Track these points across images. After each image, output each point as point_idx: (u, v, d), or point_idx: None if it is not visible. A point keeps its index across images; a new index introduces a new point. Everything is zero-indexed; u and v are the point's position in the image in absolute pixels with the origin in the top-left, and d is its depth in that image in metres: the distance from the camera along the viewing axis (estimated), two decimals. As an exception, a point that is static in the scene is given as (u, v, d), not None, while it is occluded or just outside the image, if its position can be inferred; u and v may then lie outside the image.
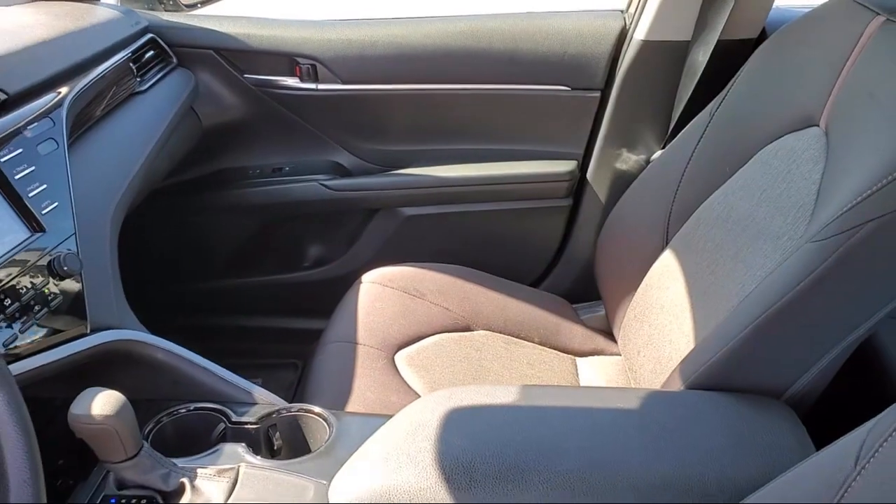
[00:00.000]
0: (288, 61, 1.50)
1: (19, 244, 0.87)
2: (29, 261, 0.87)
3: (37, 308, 0.86)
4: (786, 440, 0.84)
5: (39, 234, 0.90)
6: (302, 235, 1.69)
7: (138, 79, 1.31)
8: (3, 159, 0.89)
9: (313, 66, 1.49)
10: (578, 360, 1.37)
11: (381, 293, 1.38)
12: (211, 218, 1.64)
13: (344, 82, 1.51)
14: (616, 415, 0.87)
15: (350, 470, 0.82)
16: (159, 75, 1.37)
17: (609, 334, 1.40)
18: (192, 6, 1.57)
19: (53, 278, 0.89)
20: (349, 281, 1.43)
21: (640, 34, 1.41)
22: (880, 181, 0.82)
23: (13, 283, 0.83)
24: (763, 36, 1.38)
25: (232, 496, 0.82)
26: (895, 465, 0.58)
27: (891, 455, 0.59)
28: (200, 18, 1.51)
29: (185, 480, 0.83)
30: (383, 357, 1.26)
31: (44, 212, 0.91)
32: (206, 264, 1.70)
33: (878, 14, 0.99)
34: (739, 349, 0.90)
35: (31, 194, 0.91)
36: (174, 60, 1.45)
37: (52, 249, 0.90)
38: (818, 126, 1.03)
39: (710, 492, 0.77)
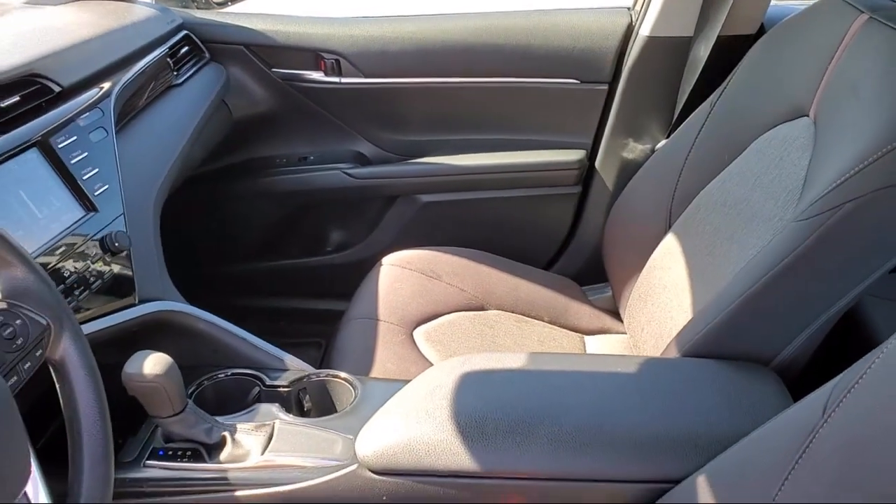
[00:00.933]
0: (313, 56, 1.59)
1: (76, 222, 0.96)
2: (85, 237, 0.96)
3: (91, 280, 0.95)
4: (770, 401, 0.92)
5: (93, 213, 0.99)
6: (325, 221, 1.77)
7: (175, 73, 1.40)
8: (60, 145, 0.99)
9: (337, 60, 1.57)
10: (586, 338, 1.45)
11: (401, 274, 1.47)
12: (240, 204, 1.73)
13: (366, 76, 1.59)
14: (616, 378, 0.96)
15: (374, 425, 0.91)
16: (193, 70, 1.46)
17: (615, 314, 1.48)
18: (223, 4, 1.66)
19: (105, 254, 0.98)
20: (370, 264, 1.51)
21: (645, 30, 1.49)
22: (857, 166, 0.90)
23: (72, 257, 0.93)
24: (761, 32, 1.44)
25: (268, 448, 0.91)
26: (858, 412, 0.65)
27: (854, 403, 0.66)
28: (230, 16, 1.60)
29: (227, 434, 0.93)
30: (403, 332, 1.34)
31: (96, 193, 1.01)
32: (235, 248, 1.79)
33: (863, 12, 1.06)
34: (730, 320, 0.98)
35: (84, 177, 1.00)
36: (207, 55, 1.54)
37: (104, 228, 1.00)
38: (808, 116, 1.10)
39: (700, 444, 0.85)
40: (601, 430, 0.88)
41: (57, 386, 0.70)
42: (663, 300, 1.26)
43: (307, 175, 1.68)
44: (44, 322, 0.67)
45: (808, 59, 1.14)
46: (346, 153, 1.69)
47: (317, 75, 1.60)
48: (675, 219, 1.32)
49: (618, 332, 1.46)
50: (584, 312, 1.49)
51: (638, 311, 1.33)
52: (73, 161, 0.99)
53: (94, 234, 0.98)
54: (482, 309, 1.45)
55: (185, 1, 1.67)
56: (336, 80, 1.60)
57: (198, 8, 1.64)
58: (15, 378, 0.64)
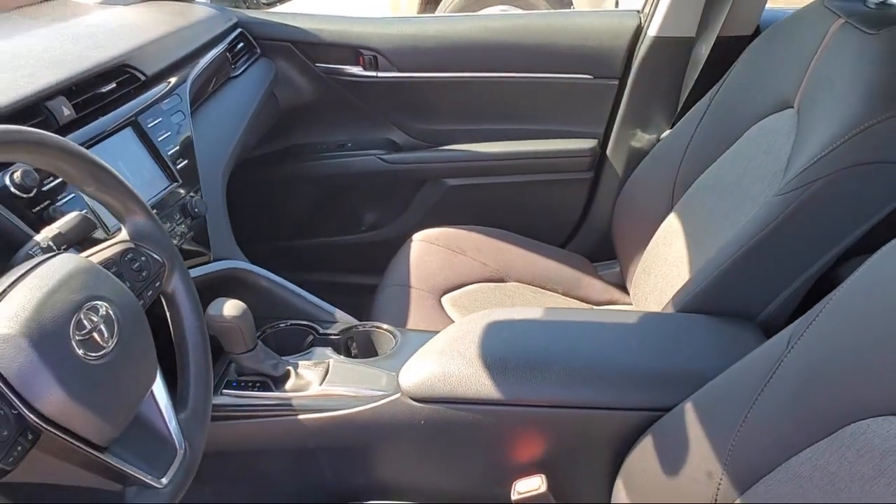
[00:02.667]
0: (353, 52, 1.75)
1: (163, 189, 1.14)
2: (170, 203, 1.14)
3: (176, 239, 1.13)
4: (750, 347, 1.08)
5: (176, 183, 1.17)
6: (360, 202, 1.93)
7: (232, 66, 1.57)
8: (149, 125, 1.17)
9: (375, 56, 1.74)
10: (596, 308, 1.61)
11: (429, 249, 1.63)
12: (284, 186, 1.90)
13: (399, 70, 1.76)
14: (619, 327, 1.12)
15: (414, 362, 1.07)
16: (247, 63, 1.64)
17: (623, 287, 1.63)
18: (271, 4, 1.84)
19: (186, 218, 1.16)
20: (400, 242, 1.67)
21: (652, 31, 1.64)
22: (827, 148, 1.05)
23: (160, 219, 1.10)
24: (757, 33, 1.59)
25: (325, 381, 1.08)
26: (815, 341, 0.80)
27: (813, 334, 0.81)
28: (278, 15, 1.78)
29: (290, 369, 1.10)
30: (432, 298, 1.51)
31: (177, 167, 1.18)
32: (278, 227, 1.96)
33: (840, 17, 1.22)
34: (718, 281, 1.14)
35: (168, 153, 1.18)
36: (258, 51, 1.71)
37: (185, 196, 1.17)
38: (792, 108, 1.26)
39: (687, 379, 0.99)
40: (605, 366, 1.04)
41: (168, 313, 0.87)
42: (664, 272, 1.41)
43: (345, 160, 1.85)
44: (161, 260, 0.84)
45: (794, 58, 1.29)
46: (380, 140, 1.85)
47: (356, 70, 1.77)
48: (677, 200, 1.47)
49: (624, 304, 1.62)
50: (594, 286, 1.65)
51: (642, 283, 1.49)
52: (159, 139, 1.17)
53: (177, 201, 1.15)
54: (502, 281, 1.60)
55: (237, 1, 1.84)
56: (373, 74, 1.76)
57: (248, 8, 1.82)
58: (141, 302, 0.81)
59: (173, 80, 1.29)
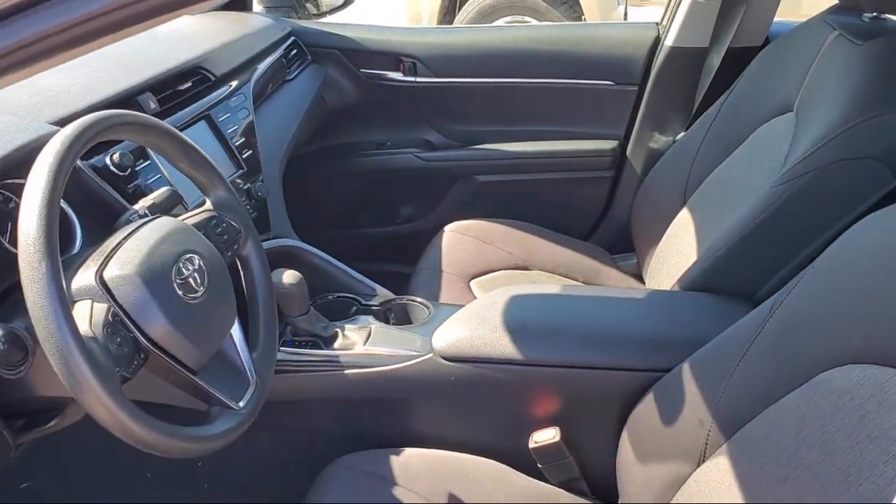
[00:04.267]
0: (394, 59, 1.92)
1: (232, 175, 1.31)
2: (238, 186, 1.31)
3: (242, 218, 1.29)
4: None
5: (242, 170, 1.34)
6: (397, 197, 2.09)
7: (287, 70, 1.75)
8: (219, 119, 1.34)
9: (414, 63, 1.91)
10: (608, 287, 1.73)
11: (460, 238, 1.78)
12: (328, 181, 2.06)
13: (436, 76, 1.92)
14: (628, 301, 1.27)
15: (445, 327, 1.22)
16: (300, 68, 1.81)
17: (639, 277, 1.75)
18: (321, 14, 2.01)
19: (250, 201, 1.33)
20: (433, 234, 1.81)
21: (669, 41, 1.79)
22: (815, 146, 1.19)
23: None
24: (766, 44, 1.73)
25: (368, 342, 1.24)
26: (794, 306, 0.92)
27: (791, 301, 0.94)
28: (328, 25, 1.95)
29: (338, 331, 1.25)
30: (461, 281, 1.66)
31: (243, 156, 1.35)
32: (321, 218, 2.11)
33: (835, 29, 1.35)
34: (719, 262, 1.27)
35: (235, 144, 1.35)
36: (309, 57, 1.89)
37: (249, 182, 1.34)
38: (792, 111, 1.40)
39: (686, 344, 1.09)
40: (614, 332, 1.19)
41: (242, 273, 1.04)
42: (675, 261, 1.54)
43: (384, 158, 2.01)
44: (238, 228, 1.01)
45: (795, 66, 1.43)
46: (416, 140, 2.01)
47: (396, 75, 1.94)
48: (689, 196, 1.59)
49: (640, 292, 1.75)
50: (612, 275, 1.78)
51: (656, 272, 1.62)
52: (228, 131, 1.34)
53: (243, 186, 1.32)
54: (526, 269, 1.74)
55: (288, 12, 2.02)
56: (412, 79, 1.93)
57: (301, 18, 2.00)
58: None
59: (239, 80, 1.47)
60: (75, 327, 0.71)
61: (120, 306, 0.79)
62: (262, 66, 1.59)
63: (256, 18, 1.80)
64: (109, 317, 0.78)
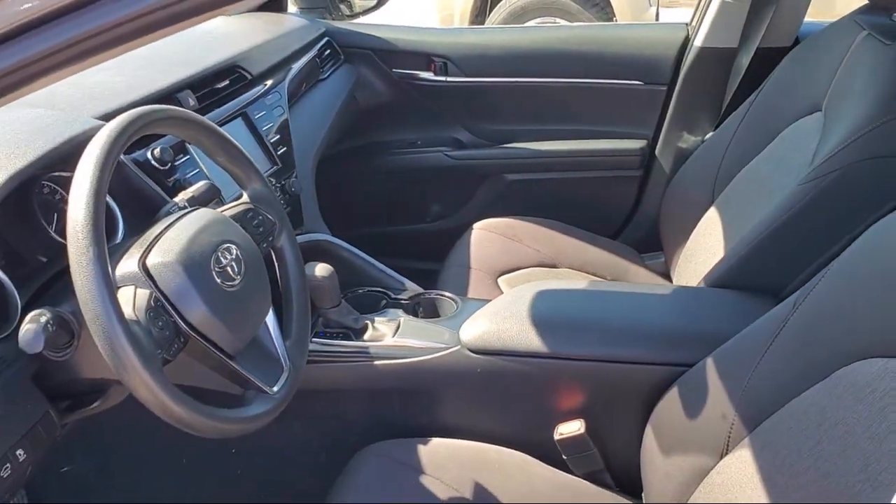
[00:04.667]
0: (426, 59, 1.96)
1: (267, 171, 1.35)
2: (273, 182, 1.35)
3: (276, 213, 1.33)
4: (769, 316, 1.22)
5: (277, 167, 1.38)
6: (427, 195, 2.12)
7: (321, 70, 1.79)
8: (255, 116, 1.38)
9: (445, 63, 1.94)
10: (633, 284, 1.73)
11: (489, 236, 1.80)
12: (359, 179, 2.10)
13: (466, 76, 1.95)
14: (653, 296, 1.28)
15: (472, 321, 1.25)
16: (333, 68, 1.86)
17: (667, 276, 1.77)
18: (354, 16, 2.06)
19: (285, 196, 1.37)
20: (462, 232, 1.84)
21: (698, 42, 1.80)
22: (841, 145, 1.20)
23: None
24: (796, 44, 1.73)
25: (397, 334, 1.27)
26: (817, 302, 0.94)
27: (814, 297, 0.95)
28: (361, 26, 1.99)
29: (368, 323, 1.29)
30: (489, 278, 1.68)
31: (278, 153, 1.40)
32: (352, 215, 2.15)
33: (864, 29, 1.36)
34: (745, 260, 1.28)
35: (271, 141, 1.39)
36: (342, 57, 1.93)
37: (284, 178, 1.38)
38: (820, 111, 1.40)
39: (709, 339, 1.09)
40: (639, 327, 1.20)
41: (276, 264, 1.07)
42: (703, 259, 1.55)
43: (414, 156, 2.05)
44: (273, 220, 1.05)
45: (824, 66, 1.43)
46: (446, 139, 2.05)
47: (427, 75, 1.98)
48: (718, 195, 1.60)
49: (667, 290, 1.76)
50: (640, 273, 1.79)
51: (684, 271, 1.63)
52: (263, 128, 1.38)
53: (277, 182, 1.36)
54: (554, 266, 1.76)
55: (322, 13, 2.06)
56: (443, 78, 1.97)
57: (334, 19, 2.04)
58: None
59: (274, 79, 1.51)
60: (120, 310, 0.75)
61: (161, 292, 0.83)
62: (297, 66, 1.63)
63: (291, 19, 1.85)
64: (152, 302, 0.82)
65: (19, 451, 0.83)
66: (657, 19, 3.94)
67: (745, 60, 1.77)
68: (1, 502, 0.83)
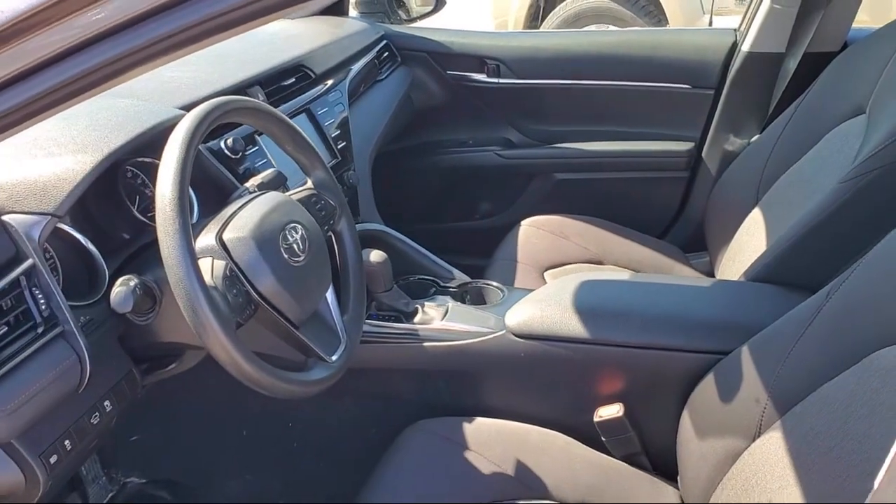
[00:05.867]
0: (479, 62, 2.03)
1: (328, 163, 1.43)
2: (333, 173, 1.43)
3: (335, 203, 1.42)
4: (806, 310, 1.26)
5: (336, 160, 1.47)
6: (478, 192, 2.19)
7: (379, 71, 1.88)
8: (318, 112, 1.47)
9: (498, 65, 2.01)
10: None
11: (536, 233, 1.86)
12: (412, 176, 2.18)
13: (518, 78, 2.02)
14: (693, 288, 1.33)
15: (518, 307, 1.31)
16: (390, 70, 1.95)
17: (711, 275, 1.80)
18: (412, 20, 2.15)
19: (344, 187, 1.45)
20: (510, 230, 1.89)
21: (745, 47, 1.83)
22: (884, 143, 1.23)
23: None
24: (844, 49, 1.75)
25: (445, 318, 1.34)
26: (850, 291, 0.98)
27: (847, 288, 1.00)
28: (417, 29, 2.08)
29: (418, 307, 1.36)
30: (535, 272, 1.74)
31: (338, 147, 1.48)
32: (404, 211, 2.22)
33: (909, 32, 1.39)
34: (784, 256, 1.32)
35: (332, 136, 1.48)
36: (399, 59, 2.02)
37: (342, 170, 1.47)
38: (865, 113, 1.43)
39: (746, 328, 1.14)
40: (678, 316, 1.25)
41: (336, 247, 1.16)
42: (746, 258, 1.58)
43: (466, 155, 2.13)
44: (334, 205, 1.13)
45: (870, 70, 1.46)
46: (497, 138, 2.12)
47: (480, 77, 2.05)
48: (762, 196, 1.63)
49: (710, 289, 1.79)
50: (684, 272, 1.82)
51: (727, 269, 1.66)
52: (325, 124, 1.48)
53: (336, 174, 1.45)
54: (600, 263, 1.81)
55: (381, 17, 2.16)
56: (495, 80, 2.04)
57: (392, 23, 2.13)
58: (320, 234, 1.09)
59: (335, 79, 1.60)
60: (201, 275, 0.84)
61: (236, 263, 0.92)
62: (357, 67, 1.72)
63: (352, 23, 1.94)
64: (227, 272, 0.91)
65: (106, 403, 0.92)
66: (710, 24, 3.95)
67: (792, 65, 1.79)
68: (91, 446, 0.92)
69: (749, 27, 1.83)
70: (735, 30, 1.92)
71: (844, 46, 1.77)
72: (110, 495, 1.48)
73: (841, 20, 1.74)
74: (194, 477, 1.52)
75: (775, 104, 1.85)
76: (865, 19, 2.33)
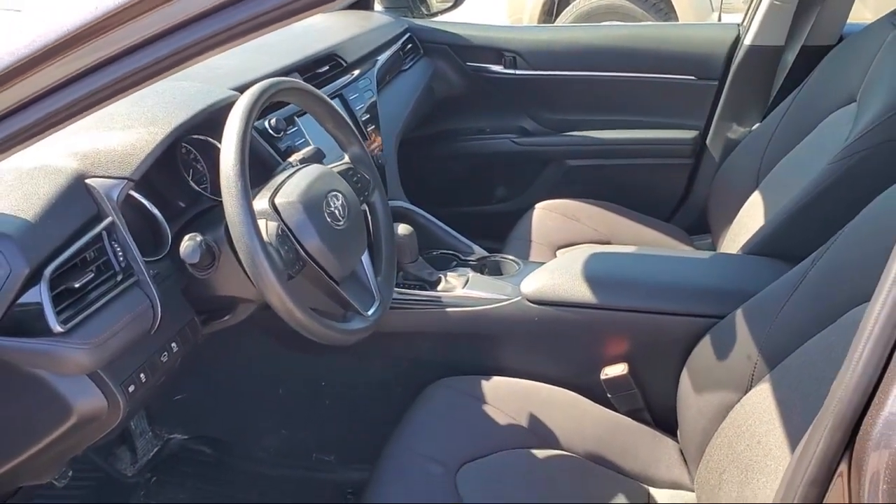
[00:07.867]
0: (497, 54, 2.16)
1: (360, 143, 1.56)
2: (362, 153, 1.56)
3: (364, 181, 1.55)
4: (795, 278, 1.37)
5: (367, 140, 1.59)
6: (494, 178, 2.31)
7: (403, 62, 2.00)
8: (350, 98, 1.60)
9: (514, 57, 2.14)
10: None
11: (549, 215, 1.98)
12: (432, 163, 2.30)
13: (533, 69, 2.14)
14: (693, 259, 1.45)
15: (532, 276, 1.43)
16: (413, 61, 2.07)
17: (713, 255, 1.92)
18: (434, 14, 2.27)
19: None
20: (524, 214, 2.01)
21: (747, 40, 1.95)
22: (868, 127, 1.34)
23: (355, 164, 1.53)
24: (839, 43, 1.86)
25: (467, 286, 1.46)
26: (832, 256, 1.09)
27: (831, 252, 1.10)
28: (439, 23, 2.21)
29: (441, 277, 1.49)
30: (548, 250, 1.85)
31: (367, 129, 1.61)
32: (424, 196, 2.33)
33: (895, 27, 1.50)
34: (776, 231, 1.44)
35: (362, 119, 1.61)
36: (421, 51, 2.14)
37: (371, 149, 1.59)
38: (855, 101, 1.54)
39: (740, 294, 1.25)
40: (678, 283, 1.37)
41: (369, 217, 1.28)
42: (745, 237, 1.68)
43: (483, 142, 2.25)
44: (368, 179, 1.26)
45: (861, 61, 1.57)
46: (513, 127, 2.24)
47: (498, 68, 2.17)
48: (761, 181, 1.74)
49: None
50: (688, 251, 1.94)
51: (727, 248, 1.77)
52: (356, 108, 1.60)
53: (368, 153, 1.57)
54: (609, 243, 1.92)
55: (405, 11, 2.28)
56: (512, 71, 2.16)
57: (415, 17, 2.26)
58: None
59: (365, 67, 1.73)
60: (260, 232, 0.97)
61: (286, 224, 1.05)
62: (383, 58, 1.84)
63: (377, 16, 2.07)
64: (279, 231, 1.04)
65: (173, 344, 1.05)
66: (720, 20, 4.05)
67: (790, 57, 1.91)
68: (160, 382, 1.05)
69: (751, 22, 1.95)
70: (738, 24, 2.03)
71: (840, 40, 1.88)
72: (156, 449, 1.62)
73: (836, 15, 1.85)
74: (233, 433, 1.65)
75: (775, 94, 1.96)
76: (868, 17, 2.43)
